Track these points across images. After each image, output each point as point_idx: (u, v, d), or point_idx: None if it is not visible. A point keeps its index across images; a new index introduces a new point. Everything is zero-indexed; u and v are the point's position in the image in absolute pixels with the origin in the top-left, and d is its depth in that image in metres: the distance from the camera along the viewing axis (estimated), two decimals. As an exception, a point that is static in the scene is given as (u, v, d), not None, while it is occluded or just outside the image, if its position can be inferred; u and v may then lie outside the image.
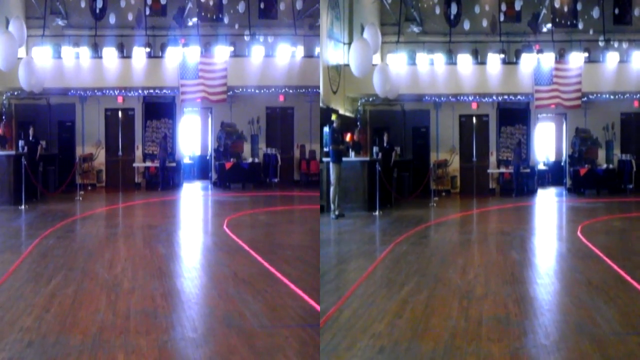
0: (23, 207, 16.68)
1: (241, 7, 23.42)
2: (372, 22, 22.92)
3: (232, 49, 23.87)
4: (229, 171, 24.06)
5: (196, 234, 14.07)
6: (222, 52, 22.82)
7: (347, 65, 21.05)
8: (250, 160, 24.62)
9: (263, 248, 10.72)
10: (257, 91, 23.60)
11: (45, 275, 8.66)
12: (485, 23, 24.68)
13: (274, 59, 22.95)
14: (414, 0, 24.78)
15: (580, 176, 23.81)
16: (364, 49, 19.76)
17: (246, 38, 24.05)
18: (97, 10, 23.87)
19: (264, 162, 24.80)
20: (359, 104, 23.63)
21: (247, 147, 25.03)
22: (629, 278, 8.64)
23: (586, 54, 24.23)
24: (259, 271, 9.02)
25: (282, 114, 25.40)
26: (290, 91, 23.69)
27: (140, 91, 23.36)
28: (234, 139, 24.12)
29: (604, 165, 24.33)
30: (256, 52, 23.00)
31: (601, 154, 24.70)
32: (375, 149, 18.51)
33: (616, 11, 24.81)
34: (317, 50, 22.56)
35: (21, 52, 22.03)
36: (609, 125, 24.53)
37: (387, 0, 24.33)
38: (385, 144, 20.42)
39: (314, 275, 8.81)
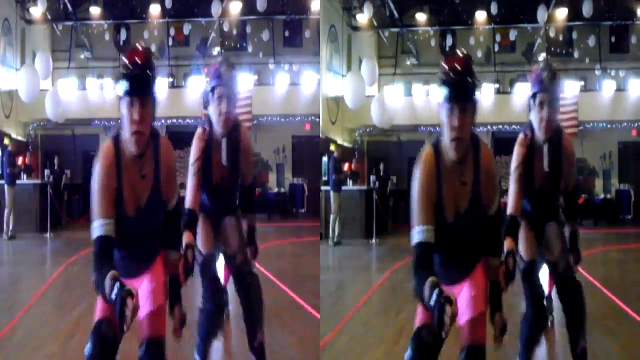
0: (48, 234, 16.83)
1: (265, 36, 23.49)
2: (370, 55, 23.62)
3: (256, 77, 23.85)
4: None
5: (220, 264, 13.88)
6: (245, 81, 22.80)
7: (346, 97, 21.30)
8: (276, 190, 24.52)
9: (290, 279, 10.50)
10: (282, 120, 23.48)
11: (70, 302, 8.59)
12: (479, 53, 24.60)
13: (299, 86, 22.91)
14: (410, 33, 24.95)
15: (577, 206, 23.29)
16: (357, 82, 20.10)
17: (271, 66, 24.05)
18: (121, 43, 24.09)
19: (290, 191, 24.65)
20: (356, 134, 23.75)
21: (272, 177, 24.95)
22: (628, 310, 8.29)
23: (582, 83, 23.93)
24: (287, 303, 8.81)
25: (308, 143, 25.23)
26: (317, 119, 23.56)
27: (163, 121, 23.33)
28: (259, 168, 23.98)
29: (601, 195, 23.96)
30: (281, 80, 22.98)
31: (598, 183, 24.44)
32: (372, 178, 18.76)
33: (612, 39, 24.49)
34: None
35: (47, 84, 22.27)
36: (606, 154, 24.18)
37: (384, 33, 24.78)
38: (381, 174, 20.92)
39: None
